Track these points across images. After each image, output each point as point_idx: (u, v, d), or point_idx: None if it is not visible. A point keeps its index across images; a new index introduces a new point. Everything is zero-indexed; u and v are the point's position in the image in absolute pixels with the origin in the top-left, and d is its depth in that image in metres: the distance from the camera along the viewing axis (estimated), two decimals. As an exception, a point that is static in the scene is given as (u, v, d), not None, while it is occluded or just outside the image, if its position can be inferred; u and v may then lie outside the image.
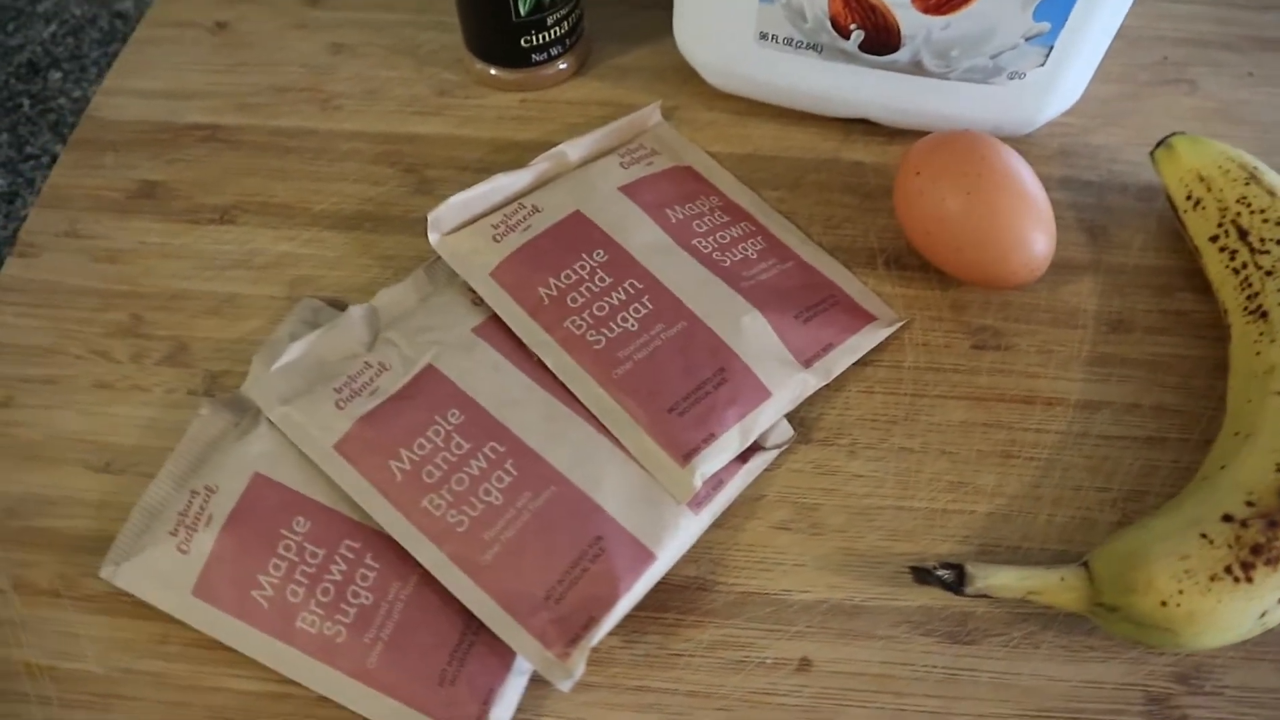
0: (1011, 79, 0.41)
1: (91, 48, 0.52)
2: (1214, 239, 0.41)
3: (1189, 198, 0.42)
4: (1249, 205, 0.41)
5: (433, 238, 0.39)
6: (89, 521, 0.36)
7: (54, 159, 0.47)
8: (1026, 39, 0.39)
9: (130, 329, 0.41)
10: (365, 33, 0.50)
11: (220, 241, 0.43)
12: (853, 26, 0.39)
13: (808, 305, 0.39)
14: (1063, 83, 0.42)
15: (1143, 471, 0.38)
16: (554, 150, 0.42)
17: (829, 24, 0.40)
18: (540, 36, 0.44)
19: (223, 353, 0.40)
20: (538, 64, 0.46)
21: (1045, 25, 0.38)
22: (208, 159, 0.45)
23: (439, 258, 0.40)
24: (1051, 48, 0.39)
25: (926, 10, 0.38)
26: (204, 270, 0.42)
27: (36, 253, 0.43)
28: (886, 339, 0.40)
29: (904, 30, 0.39)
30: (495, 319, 0.38)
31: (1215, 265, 0.41)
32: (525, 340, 0.37)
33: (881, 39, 0.40)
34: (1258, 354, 0.38)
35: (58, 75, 0.51)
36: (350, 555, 0.33)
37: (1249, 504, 0.33)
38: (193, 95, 0.48)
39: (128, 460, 0.37)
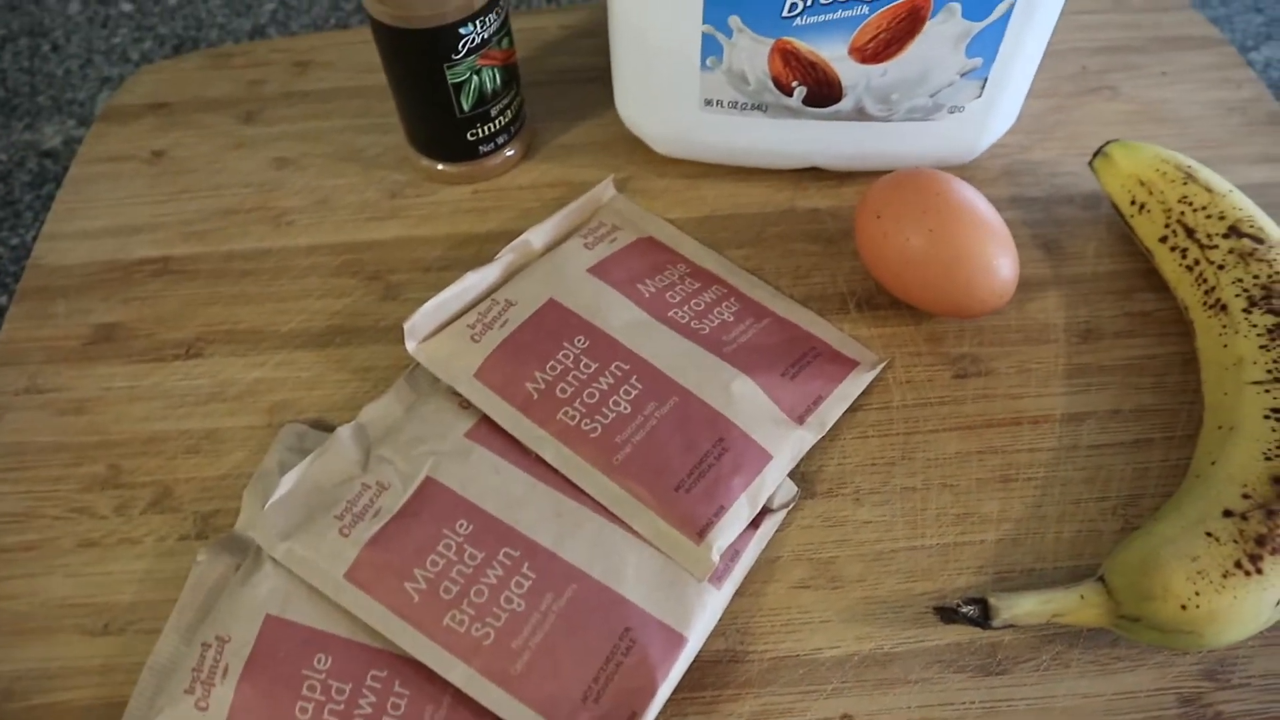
0: (951, 113, 0.42)
1: (24, 192, 0.51)
2: (1164, 239, 0.43)
3: (1133, 202, 0.44)
4: (1191, 204, 0.42)
5: (410, 346, 0.39)
6: (95, 690, 0.35)
7: (1, 313, 0.46)
8: (962, 75, 0.40)
9: (109, 480, 0.39)
10: (306, 144, 0.49)
11: (190, 377, 0.42)
12: (794, 84, 0.40)
13: (792, 361, 0.39)
14: (1000, 109, 0.43)
15: (1136, 475, 0.39)
16: (518, 241, 0.42)
17: (771, 84, 0.40)
18: (485, 128, 0.45)
19: (210, 492, 0.39)
20: (485, 155, 0.46)
21: (978, 60, 0.40)
22: (164, 293, 0.45)
23: (418, 364, 0.39)
24: (986, 80, 0.41)
25: (864, 60, 0.39)
26: (177, 409, 0.41)
27: (-1, 414, 0.42)
28: (872, 381, 0.41)
29: (844, 81, 0.40)
30: (487, 420, 0.37)
31: (1169, 265, 0.43)
32: (520, 438, 0.37)
33: (824, 92, 0.41)
34: (1225, 346, 0.39)
35: (-9, 224, 0.50)
36: (378, 685, 0.32)
37: (1245, 496, 0.34)
38: (138, 229, 0.47)
39: (126, 619, 0.36)
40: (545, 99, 0.50)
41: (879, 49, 0.39)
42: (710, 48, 0.39)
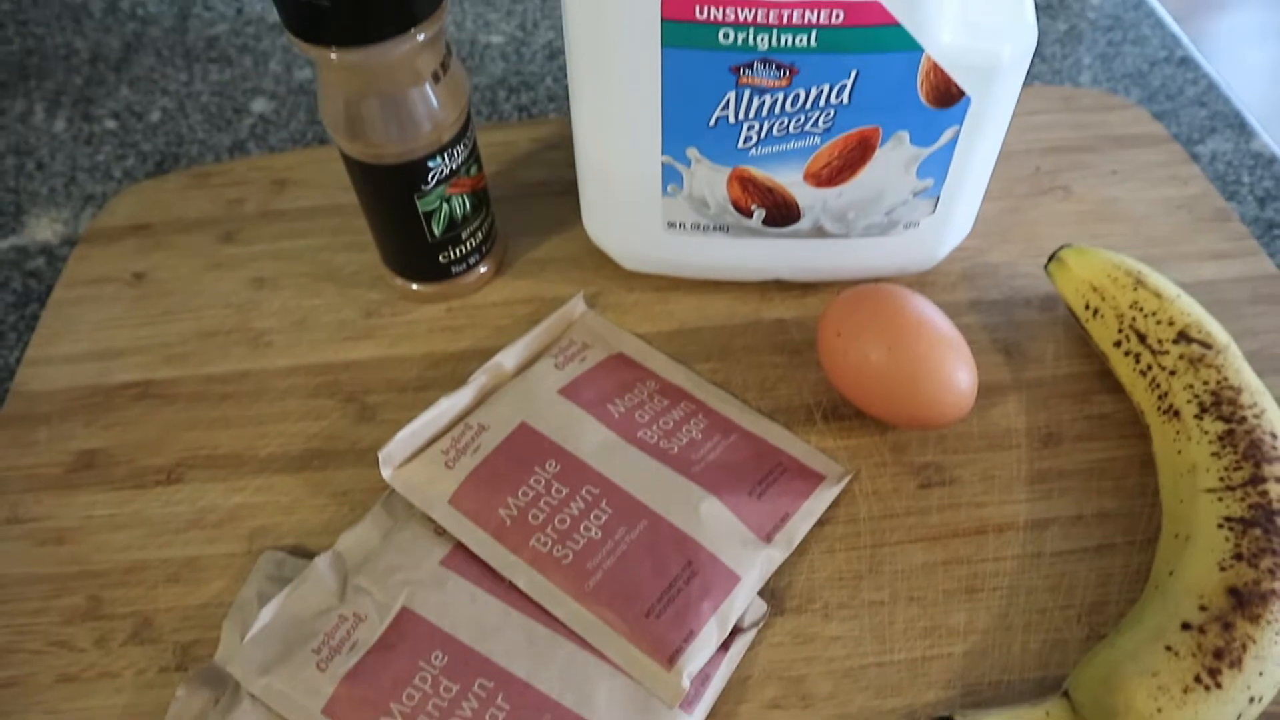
0: (907, 228, 0.44)
1: (7, 312, 0.52)
2: (1118, 344, 0.44)
3: (1087, 307, 0.45)
4: (1141, 309, 0.44)
5: (386, 473, 0.40)
6: (74, 832, 0.35)
7: (-17, 436, 0.47)
8: (915, 194, 0.42)
9: (90, 612, 0.40)
10: (283, 263, 0.51)
11: (170, 503, 0.43)
12: (754, 207, 0.42)
13: (759, 479, 0.40)
14: (954, 222, 0.45)
15: (1099, 581, 0.40)
16: (490, 363, 0.43)
17: (731, 207, 0.42)
18: (456, 250, 0.46)
19: (190, 621, 0.39)
20: (458, 274, 0.47)
21: (929, 181, 0.41)
22: (145, 418, 0.45)
23: (395, 490, 0.40)
24: (938, 197, 0.42)
25: (819, 184, 0.41)
26: (158, 536, 0.42)
27: (-21, 546, 0.42)
28: (839, 494, 0.41)
29: (801, 203, 0.42)
30: (462, 547, 0.38)
31: (1124, 369, 0.44)
32: (494, 565, 0.37)
33: (782, 213, 0.42)
34: (1179, 453, 0.40)
35: (-25, 345, 0.51)
36: (355, 825, 0.33)
37: (1202, 608, 0.35)
38: (120, 353, 0.48)
39: (106, 756, 0.36)
40: (517, 213, 0.52)
41: (833, 174, 0.40)
42: (670, 176, 0.41)
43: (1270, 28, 2.03)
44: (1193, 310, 0.43)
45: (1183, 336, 0.42)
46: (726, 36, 0.35)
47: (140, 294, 0.50)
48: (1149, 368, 0.43)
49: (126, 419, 0.45)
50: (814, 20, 0.34)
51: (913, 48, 0.35)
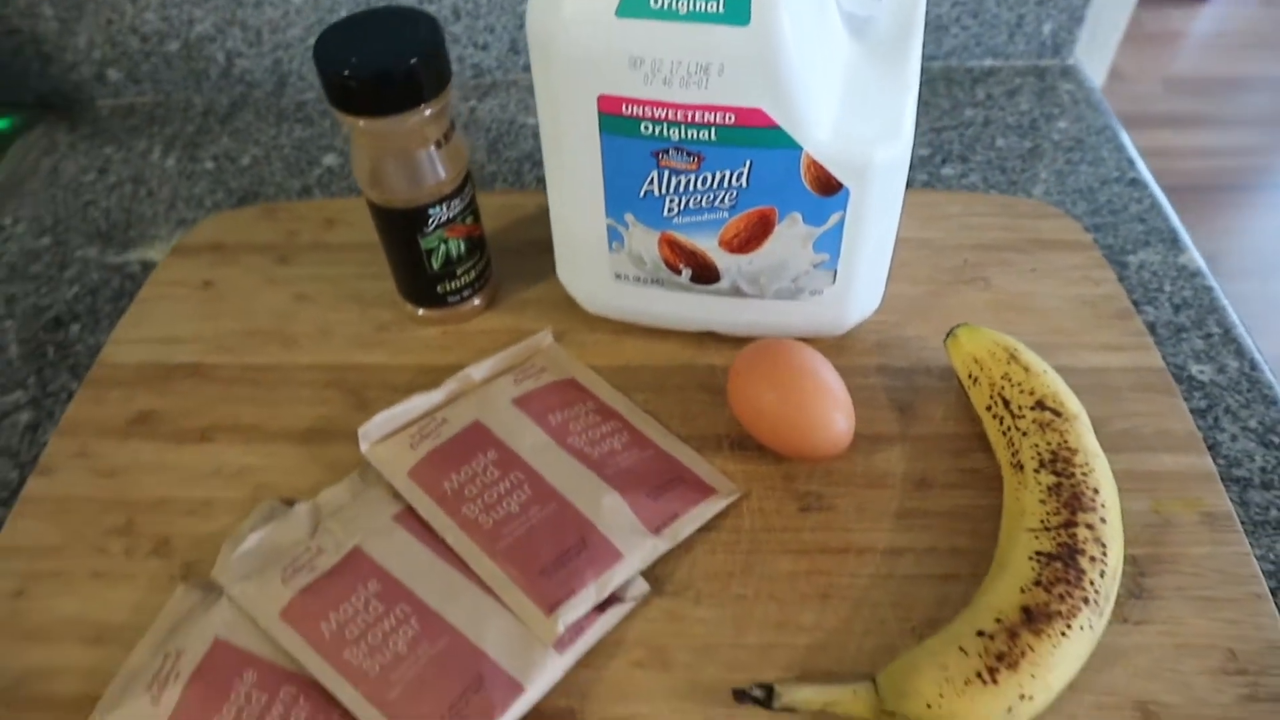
0: (812, 295, 0.52)
1: (104, 303, 0.65)
2: (989, 408, 0.52)
3: (969, 376, 0.53)
4: (1010, 380, 0.51)
5: (363, 446, 0.50)
6: (81, 685, 0.45)
7: (70, 395, 0.59)
8: (814, 266, 0.51)
9: (124, 530, 0.51)
10: (322, 285, 0.62)
11: (199, 457, 0.54)
12: (680, 266, 0.52)
13: (659, 484, 0.49)
14: (856, 294, 0.53)
15: (937, 603, 0.47)
16: (461, 373, 0.53)
17: (663, 265, 0.52)
18: (452, 284, 0.57)
19: (199, 546, 0.50)
20: (453, 304, 0.58)
21: (825, 255, 0.50)
22: (192, 391, 0.57)
23: (370, 464, 0.50)
24: (836, 270, 0.51)
25: (732, 251, 0.50)
26: (185, 481, 0.53)
27: (53, 472, 0.53)
28: (728, 508, 0.50)
29: (720, 266, 0.51)
30: (411, 509, 0.48)
31: (991, 429, 0.51)
32: (433, 525, 0.47)
33: (705, 274, 0.52)
34: (1017, 499, 0.48)
35: (77, 327, 0.63)
36: (287, 699, 0.42)
37: (998, 620, 0.42)
38: (182, 341, 0.60)
39: (116, 635, 0.46)
40: (515, 262, 0.63)
41: (742, 243, 0.50)
42: (614, 235, 0.51)
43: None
44: (1053, 384, 0.51)
45: (1039, 405, 0.50)
46: (647, 128, 0.45)
47: (206, 297, 0.62)
48: (1008, 429, 0.50)
49: (178, 391, 0.57)
50: (712, 120, 0.44)
51: (793, 145, 0.45)
